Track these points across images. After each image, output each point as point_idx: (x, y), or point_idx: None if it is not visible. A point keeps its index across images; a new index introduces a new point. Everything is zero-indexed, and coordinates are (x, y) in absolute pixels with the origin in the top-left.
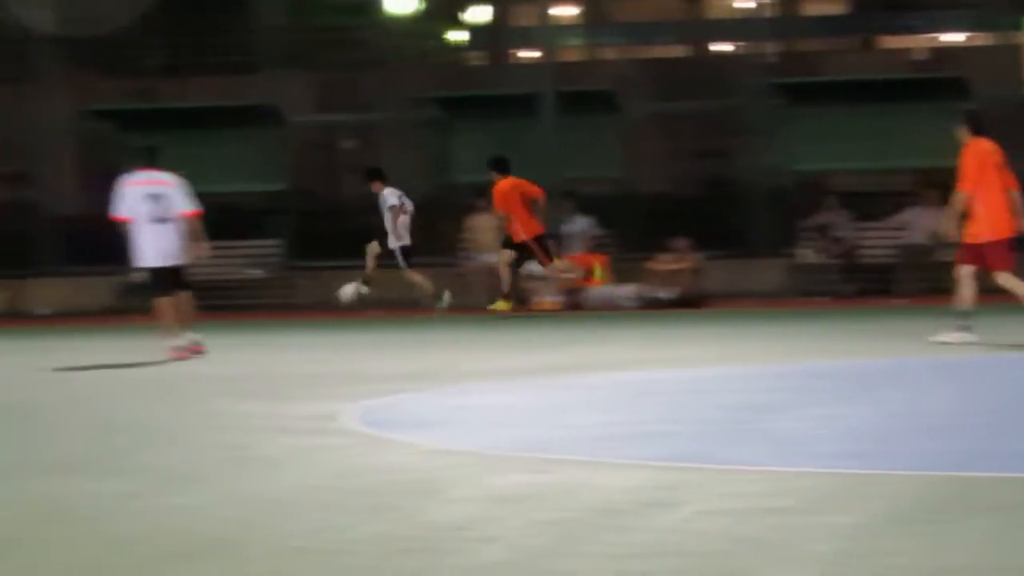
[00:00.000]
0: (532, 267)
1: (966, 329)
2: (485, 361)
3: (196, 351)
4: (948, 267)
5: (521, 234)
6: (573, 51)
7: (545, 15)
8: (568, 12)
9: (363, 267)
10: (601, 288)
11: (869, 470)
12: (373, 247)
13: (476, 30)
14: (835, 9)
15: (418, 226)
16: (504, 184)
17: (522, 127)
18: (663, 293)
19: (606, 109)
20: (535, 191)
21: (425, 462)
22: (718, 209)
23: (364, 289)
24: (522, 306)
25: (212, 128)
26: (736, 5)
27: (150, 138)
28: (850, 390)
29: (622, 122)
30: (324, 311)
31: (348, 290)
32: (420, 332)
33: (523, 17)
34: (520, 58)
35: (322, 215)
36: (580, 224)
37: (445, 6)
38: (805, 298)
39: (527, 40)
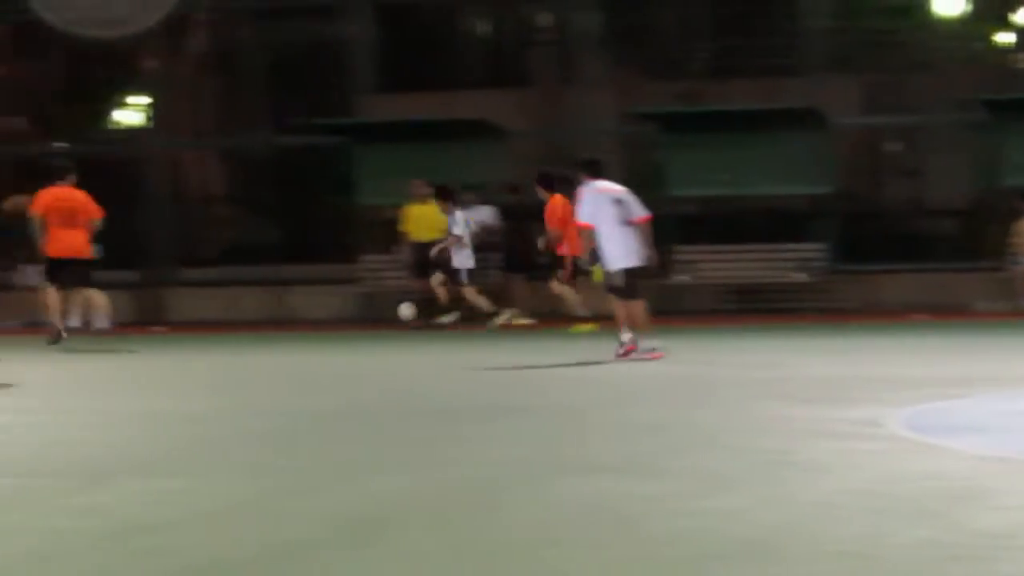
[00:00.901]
0: None
1: None
2: None
3: (651, 356)
4: None
5: None
6: None
7: None
8: None
9: (912, 271)
10: None
11: None
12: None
13: None
14: None
15: (965, 230)
16: None
17: None
18: None
19: None
20: None
21: (973, 468)
22: None
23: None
24: None
25: (755, 131)
26: None
27: (693, 140)
28: None
29: None
30: (869, 315)
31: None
32: (967, 336)
33: None
34: None
35: (867, 218)
36: None
37: (993, 7)
38: None
39: None
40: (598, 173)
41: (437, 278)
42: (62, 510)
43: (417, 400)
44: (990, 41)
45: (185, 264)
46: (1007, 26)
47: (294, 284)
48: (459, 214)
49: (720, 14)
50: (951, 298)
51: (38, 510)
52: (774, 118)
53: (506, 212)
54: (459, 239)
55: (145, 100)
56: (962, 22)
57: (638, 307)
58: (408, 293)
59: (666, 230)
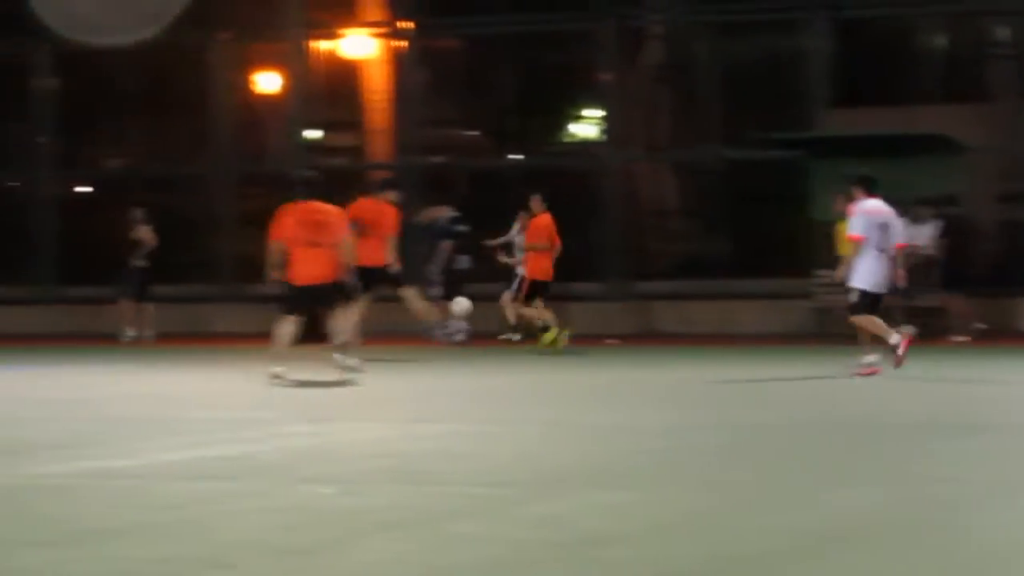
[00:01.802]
0: None
1: None
2: None
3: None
4: None
5: None
6: None
7: None
8: None
9: None
10: None
11: None
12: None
13: None
14: None
15: None
16: None
17: None
18: None
19: None
20: None
21: None
22: None
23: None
24: None
25: None
26: None
27: None
28: None
29: None
30: None
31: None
32: None
33: None
34: None
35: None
36: None
37: None
38: None
39: None
40: (872, 191)
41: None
42: (521, 520)
43: (865, 415)
44: None
45: (640, 277)
46: None
47: (743, 298)
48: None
49: None
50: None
51: (500, 519)
52: None
53: (946, 227)
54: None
55: (599, 113)
56: None
57: (868, 323)
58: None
59: None
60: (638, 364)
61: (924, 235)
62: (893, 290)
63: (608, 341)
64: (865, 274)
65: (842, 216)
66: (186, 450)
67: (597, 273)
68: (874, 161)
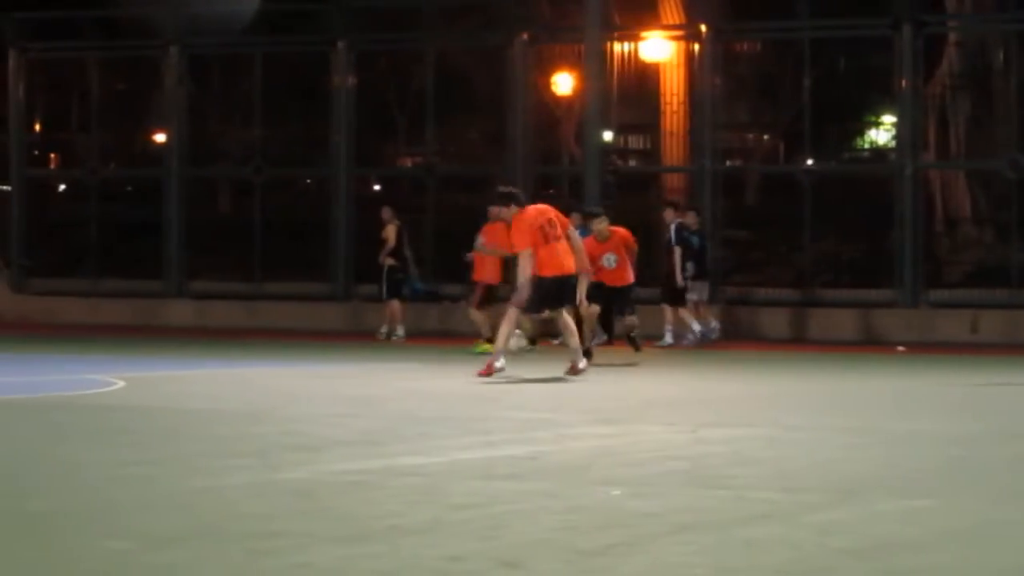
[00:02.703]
0: None
1: None
2: None
3: None
4: None
5: None
6: None
7: None
8: None
9: None
10: None
11: None
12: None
13: None
14: None
15: None
16: None
17: None
18: None
19: None
20: None
21: None
22: None
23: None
24: None
25: None
26: None
27: None
28: None
29: None
30: None
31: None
32: None
33: None
34: None
35: None
36: None
37: None
38: None
39: None
40: None
41: None
42: (813, 526)
43: None
44: None
45: (931, 285)
46: None
47: None
48: None
49: None
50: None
51: (792, 524)
52: None
53: None
54: None
55: (894, 120)
56: None
57: None
58: None
59: None
60: (929, 371)
61: None
62: None
63: (899, 348)
64: None
65: None
66: (476, 449)
67: (889, 280)
68: None
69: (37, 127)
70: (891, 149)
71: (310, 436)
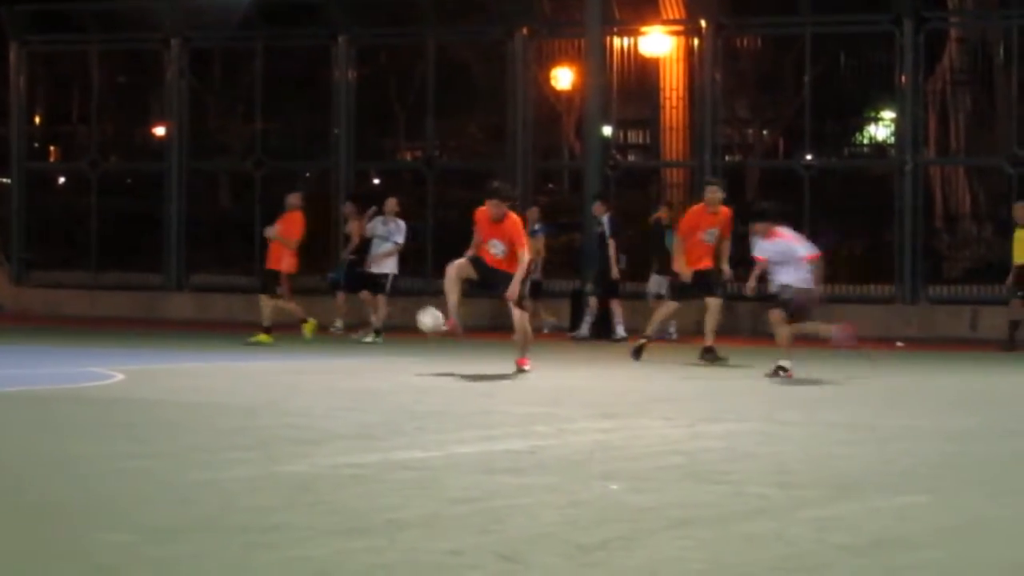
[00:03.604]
0: None
1: None
2: None
3: None
4: None
5: None
6: None
7: None
8: None
9: None
10: None
11: None
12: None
13: None
14: None
15: None
16: None
17: None
18: None
19: None
20: None
21: None
22: None
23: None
24: None
25: None
26: None
27: None
28: None
29: None
30: None
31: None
32: None
33: None
34: None
35: None
36: None
37: None
38: None
39: None
40: None
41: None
42: (810, 521)
43: None
44: None
45: (930, 281)
46: None
47: None
48: None
49: None
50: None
51: (788, 520)
52: None
53: None
54: None
55: (895, 115)
56: None
57: None
58: None
59: None
60: (927, 367)
61: None
62: None
63: (897, 344)
64: None
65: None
66: (475, 443)
67: (888, 275)
68: None
69: (38, 120)
70: (892, 145)
71: (309, 429)
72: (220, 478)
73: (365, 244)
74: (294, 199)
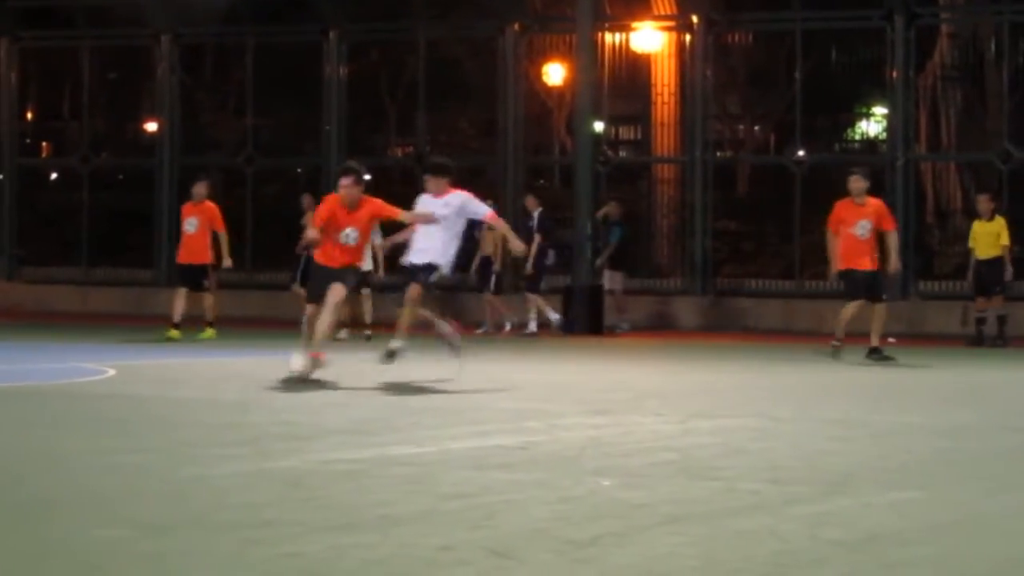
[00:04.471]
0: None
1: None
2: None
3: None
4: None
5: None
6: None
7: None
8: None
9: None
10: None
11: None
12: None
13: None
14: None
15: None
16: None
17: None
18: None
19: None
20: None
21: None
22: None
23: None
24: None
25: None
26: None
27: None
28: None
29: None
30: None
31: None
32: None
33: None
34: None
35: None
36: None
37: None
38: None
39: None
40: None
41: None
42: (803, 517)
43: None
44: None
45: (921, 277)
46: None
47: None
48: None
49: None
50: None
51: (781, 516)
52: None
53: None
54: None
55: (887, 111)
56: None
57: None
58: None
59: None
60: (921, 363)
61: None
62: None
63: (889, 340)
64: None
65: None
66: (468, 439)
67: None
68: None
69: (29, 115)
70: (883, 140)
71: (301, 425)
72: (212, 474)
73: None
74: (202, 188)
